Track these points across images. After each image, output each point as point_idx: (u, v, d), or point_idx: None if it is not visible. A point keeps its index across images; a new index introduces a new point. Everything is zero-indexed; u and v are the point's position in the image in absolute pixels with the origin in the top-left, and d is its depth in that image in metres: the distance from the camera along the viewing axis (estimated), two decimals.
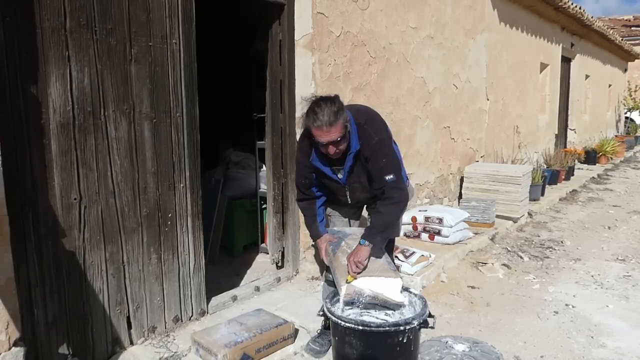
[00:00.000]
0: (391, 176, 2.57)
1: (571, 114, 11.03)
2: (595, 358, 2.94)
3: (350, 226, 3.00)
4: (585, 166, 10.39)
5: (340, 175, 2.68)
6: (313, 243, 4.00)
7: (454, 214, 4.71)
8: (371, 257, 2.54)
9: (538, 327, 3.31)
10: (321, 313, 2.52)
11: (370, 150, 2.57)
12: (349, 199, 2.82)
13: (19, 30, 2.21)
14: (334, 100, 2.45)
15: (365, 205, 3.02)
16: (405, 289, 2.48)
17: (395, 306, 2.42)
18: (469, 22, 6.07)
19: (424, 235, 4.69)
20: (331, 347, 2.62)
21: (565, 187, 8.08)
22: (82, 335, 2.57)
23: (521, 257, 4.72)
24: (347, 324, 2.23)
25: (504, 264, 4.49)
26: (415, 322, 2.23)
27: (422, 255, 4.04)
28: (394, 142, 2.80)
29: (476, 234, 5.03)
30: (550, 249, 5.01)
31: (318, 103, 2.44)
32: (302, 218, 3.93)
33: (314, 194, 2.82)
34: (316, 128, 2.41)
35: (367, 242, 2.54)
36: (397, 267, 2.63)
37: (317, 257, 4.01)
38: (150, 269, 2.86)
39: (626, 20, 20.04)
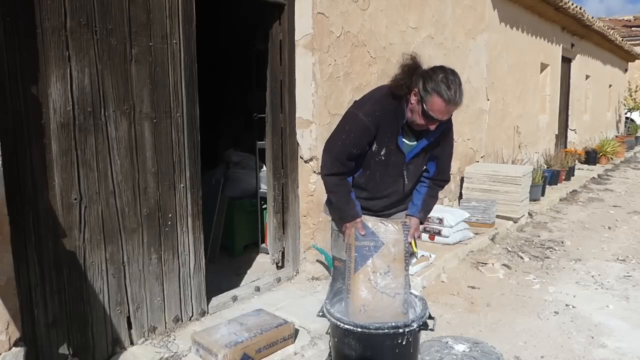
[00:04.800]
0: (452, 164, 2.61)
1: (571, 114, 11.03)
2: (595, 358, 2.94)
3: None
4: (585, 166, 10.39)
5: (408, 150, 2.36)
6: (314, 244, 4.00)
7: (454, 214, 4.71)
8: (389, 293, 2.29)
9: (538, 328, 3.31)
10: (321, 313, 2.51)
11: (446, 130, 2.44)
12: (406, 179, 2.43)
13: (20, 30, 2.21)
14: (459, 77, 2.19)
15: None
16: None
17: None
18: (470, 22, 6.06)
19: (425, 236, 4.69)
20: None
21: (566, 188, 8.08)
22: (82, 335, 2.57)
23: (521, 258, 4.72)
24: (346, 326, 2.22)
25: (504, 264, 4.49)
26: (415, 325, 2.22)
27: (423, 256, 4.05)
28: None
29: (476, 234, 5.03)
30: (551, 249, 5.01)
31: (446, 73, 2.14)
32: (302, 219, 3.96)
33: (352, 166, 2.36)
34: (444, 100, 2.11)
35: (421, 217, 2.50)
36: None
37: (318, 258, 4.01)
38: (151, 269, 2.86)
39: (626, 20, 20.02)
